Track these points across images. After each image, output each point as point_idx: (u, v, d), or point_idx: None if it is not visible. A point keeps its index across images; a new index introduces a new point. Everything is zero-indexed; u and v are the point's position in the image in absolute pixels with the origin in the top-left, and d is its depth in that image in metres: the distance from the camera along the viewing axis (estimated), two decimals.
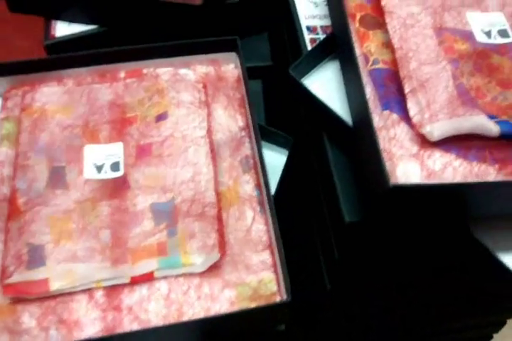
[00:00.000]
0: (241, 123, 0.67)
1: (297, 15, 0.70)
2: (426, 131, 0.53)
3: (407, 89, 0.55)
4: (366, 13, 0.61)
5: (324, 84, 0.63)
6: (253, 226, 0.61)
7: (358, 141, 0.57)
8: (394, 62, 0.57)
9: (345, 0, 0.62)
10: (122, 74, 0.70)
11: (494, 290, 0.73)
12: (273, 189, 0.66)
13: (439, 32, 0.59)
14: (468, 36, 0.59)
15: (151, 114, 0.67)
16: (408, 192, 0.50)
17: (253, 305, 0.55)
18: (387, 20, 0.59)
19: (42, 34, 0.77)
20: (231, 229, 0.60)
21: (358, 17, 0.61)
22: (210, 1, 0.71)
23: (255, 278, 0.57)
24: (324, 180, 0.64)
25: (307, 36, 0.69)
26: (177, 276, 0.57)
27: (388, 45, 0.58)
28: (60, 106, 0.67)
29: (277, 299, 0.55)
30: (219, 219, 0.59)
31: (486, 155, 0.54)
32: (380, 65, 0.58)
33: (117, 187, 0.62)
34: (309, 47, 0.68)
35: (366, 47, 0.59)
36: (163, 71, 0.70)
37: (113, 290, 0.56)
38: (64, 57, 0.69)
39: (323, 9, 0.71)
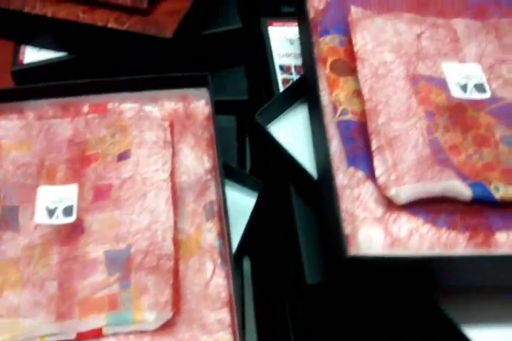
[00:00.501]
0: (208, 165, 0.62)
1: (271, 53, 0.64)
2: (391, 194, 0.47)
3: (373, 146, 0.49)
4: (338, 58, 0.55)
5: (292, 131, 0.57)
6: (212, 281, 0.55)
7: (321, 198, 0.52)
8: (364, 113, 0.51)
9: (316, 42, 0.57)
10: (86, 109, 0.65)
11: None
12: (239, 236, 0.61)
13: (414, 81, 0.53)
14: (444, 87, 0.53)
15: (113, 152, 0.62)
16: (366, 263, 0.45)
17: None
18: (359, 67, 0.53)
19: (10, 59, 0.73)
20: (188, 282, 0.54)
21: (329, 62, 0.55)
22: (181, 35, 0.66)
23: (210, 338, 0.51)
24: (289, 235, 0.59)
25: (280, 76, 0.63)
26: (127, 333, 0.51)
27: (359, 94, 0.53)
28: (16, 141, 0.61)
29: None
30: (175, 272, 0.54)
31: (457, 220, 0.48)
32: (349, 116, 0.52)
33: (69, 234, 0.56)
34: (281, 88, 0.62)
35: (335, 96, 0.53)
36: (127, 107, 0.64)
37: None
38: (25, 88, 0.64)
39: (298, 47, 0.65)
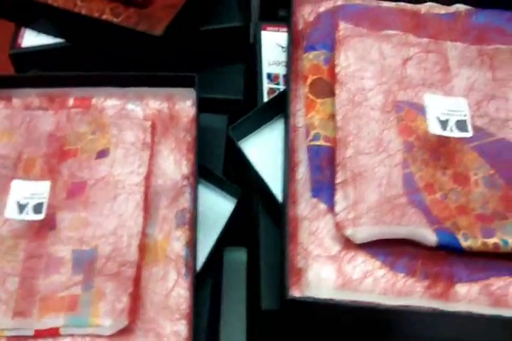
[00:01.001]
0: (185, 170, 0.59)
1: (260, 60, 0.59)
2: (347, 234, 0.44)
3: (338, 179, 0.45)
4: (319, 77, 0.51)
5: (266, 149, 0.53)
6: (173, 292, 0.52)
7: (281, 224, 0.49)
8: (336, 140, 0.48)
9: (300, 58, 0.52)
10: (71, 102, 0.62)
11: None
12: (211, 244, 0.59)
13: (398, 107, 0.48)
14: (426, 118, 0.48)
15: (92, 149, 0.59)
16: (307, 306, 0.42)
17: None
18: (337, 91, 0.49)
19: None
20: (149, 291, 0.52)
21: (309, 81, 0.50)
22: (175, 30, 0.62)
23: None
24: (253, 254, 0.56)
25: (266, 85, 0.58)
26: (83, 335, 0.50)
27: (335, 119, 0.49)
28: None
29: None
30: (136, 280, 0.52)
31: (418, 266, 0.44)
32: (321, 142, 0.48)
33: (38, 230, 0.54)
34: (266, 98, 0.58)
35: (310, 119, 0.49)
36: (110, 104, 0.61)
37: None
38: (13, 76, 0.62)
39: None
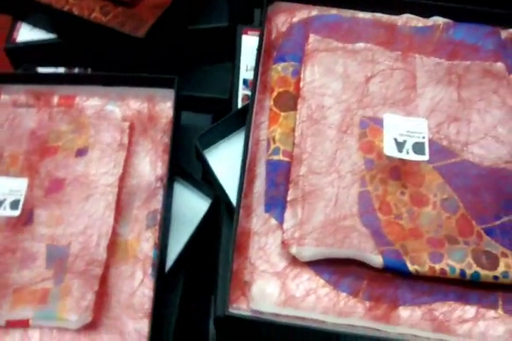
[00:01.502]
0: (160, 172, 0.58)
1: (238, 65, 0.58)
2: (292, 252, 0.43)
3: (289, 197, 0.44)
4: (286, 90, 0.49)
5: (231, 159, 0.51)
6: (138, 291, 0.53)
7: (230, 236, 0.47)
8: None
9: (269, 68, 0.51)
10: (56, 100, 0.62)
11: None
12: (184, 242, 0.59)
13: (363, 123, 0.47)
14: None
15: (72, 147, 0.60)
16: (244, 323, 0.42)
17: None
18: (299, 106, 0.47)
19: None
20: (116, 289, 0.53)
21: (275, 93, 0.49)
22: (159, 30, 0.61)
23: None
24: (215, 259, 0.55)
25: (241, 91, 0.57)
26: (52, 328, 0.52)
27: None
28: None
29: None
30: (102, 278, 0.53)
31: (362, 287, 0.43)
32: (280, 157, 0.47)
33: (16, 224, 0.56)
34: (240, 104, 0.57)
35: (271, 132, 0.47)
36: (91, 104, 0.61)
37: None
38: (3, 73, 0.63)
39: None
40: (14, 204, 0.56)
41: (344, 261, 0.43)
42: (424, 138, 0.45)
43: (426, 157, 0.44)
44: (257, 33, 0.56)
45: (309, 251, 0.42)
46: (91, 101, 0.61)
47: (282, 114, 0.48)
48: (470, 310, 0.43)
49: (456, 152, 0.46)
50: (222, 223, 0.52)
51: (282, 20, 0.53)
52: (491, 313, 0.43)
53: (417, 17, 0.52)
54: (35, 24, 0.68)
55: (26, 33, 0.69)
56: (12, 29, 0.69)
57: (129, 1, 0.62)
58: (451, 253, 0.43)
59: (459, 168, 0.46)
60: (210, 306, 0.62)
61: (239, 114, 0.52)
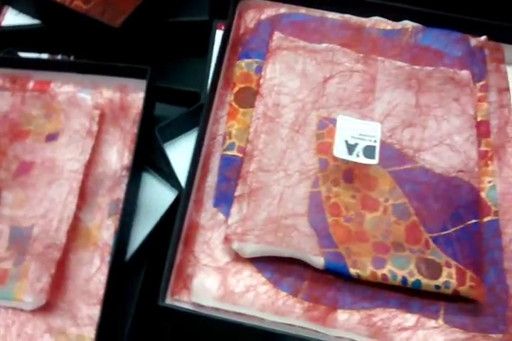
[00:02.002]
0: (126, 161, 0.57)
1: (210, 60, 0.56)
2: (234, 248, 0.42)
3: (237, 192, 0.43)
4: (247, 86, 0.47)
5: (191, 152, 0.51)
6: (95, 277, 0.52)
7: (174, 229, 0.44)
8: None
9: (233, 64, 0.49)
10: (31, 85, 0.61)
11: None
12: (146, 232, 0.58)
13: (322, 123, 0.45)
14: None
15: (43, 131, 0.59)
16: (180, 314, 0.40)
17: None
18: (256, 103, 0.46)
19: None
20: (73, 274, 0.52)
21: (236, 89, 0.47)
22: (135, 22, 0.60)
23: (76, 331, 0.49)
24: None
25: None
26: (7, 308, 0.51)
27: None
28: None
29: None
30: (61, 263, 0.52)
31: (302, 287, 0.41)
32: (234, 153, 0.45)
33: None
34: None
35: (228, 127, 0.46)
36: (64, 90, 0.60)
37: None
38: None
39: None
40: None
41: (287, 260, 0.42)
42: (375, 142, 0.43)
43: (375, 161, 0.43)
44: None
45: (250, 247, 0.41)
46: (65, 87, 0.60)
47: (241, 110, 0.46)
48: (410, 319, 0.41)
49: (410, 158, 0.45)
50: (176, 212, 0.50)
51: (251, 17, 0.51)
52: (432, 323, 0.41)
53: (386, 20, 0.51)
54: (21, 9, 0.67)
55: (12, 18, 0.68)
56: None
57: None
58: (394, 259, 0.41)
59: (413, 174, 0.44)
60: None
61: (199, 108, 0.50)
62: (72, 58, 0.67)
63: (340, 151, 0.42)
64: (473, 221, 0.42)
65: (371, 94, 0.46)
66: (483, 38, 0.50)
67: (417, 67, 0.48)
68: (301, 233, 0.41)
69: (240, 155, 0.45)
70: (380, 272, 0.40)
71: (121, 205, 0.56)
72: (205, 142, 0.46)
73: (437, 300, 0.41)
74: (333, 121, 0.46)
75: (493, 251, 0.42)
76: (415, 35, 0.50)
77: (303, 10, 0.51)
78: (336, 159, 0.44)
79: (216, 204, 0.43)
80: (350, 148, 0.42)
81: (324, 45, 0.48)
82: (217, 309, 0.41)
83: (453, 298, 0.41)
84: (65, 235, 0.52)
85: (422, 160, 0.44)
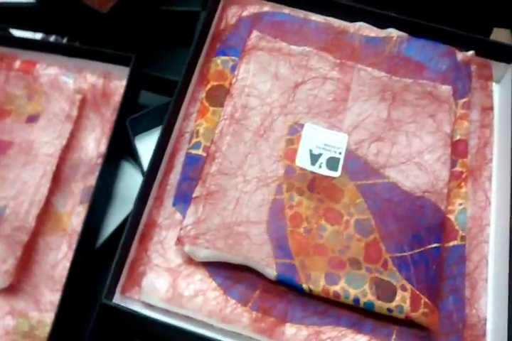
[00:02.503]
0: (103, 149, 0.55)
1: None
2: (185, 250, 0.39)
3: (195, 193, 0.40)
4: (220, 84, 0.44)
5: None
6: (61, 263, 0.50)
7: (128, 227, 0.40)
8: None
9: (209, 60, 0.46)
10: (17, 64, 0.59)
11: None
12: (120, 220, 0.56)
13: (293, 129, 0.42)
14: None
15: (24, 112, 0.57)
16: (119, 314, 0.38)
17: None
18: (225, 103, 0.43)
19: None
20: (40, 258, 0.50)
21: (209, 86, 0.45)
22: (119, 12, 0.56)
23: (38, 316, 0.48)
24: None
25: None
26: None
27: None
28: None
29: None
30: (28, 246, 0.50)
31: (253, 297, 0.38)
32: (199, 152, 0.42)
33: None
34: None
35: (197, 126, 0.43)
36: (48, 73, 0.57)
37: None
38: None
39: None
40: None
41: (242, 267, 0.39)
42: (340, 154, 0.40)
43: (337, 173, 0.40)
44: None
45: (202, 252, 0.39)
46: (50, 69, 0.57)
47: (211, 108, 0.43)
48: (361, 339, 0.38)
49: (376, 173, 0.42)
50: None
51: (233, 12, 0.48)
52: None
53: (370, 26, 0.47)
54: None
55: None
56: None
57: None
58: (349, 277, 0.38)
59: (379, 189, 0.41)
60: None
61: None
62: (65, 40, 0.65)
63: (302, 160, 0.39)
64: (434, 245, 0.39)
65: (342, 103, 0.43)
66: (471, 52, 0.46)
67: (395, 78, 0.44)
68: (253, 241, 0.38)
69: (205, 154, 0.42)
70: (332, 288, 0.37)
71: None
72: (173, 138, 0.43)
73: (391, 323, 0.38)
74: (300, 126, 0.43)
75: (455, 277, 0.39)
76: (399, 44, 0.46)
77: (286, 10, 0.48)
78: (302, 167, 0.41)
79: (175, 204, 0.41)
80: (314, 158, 0.40)
81: (301, 48, 0.44)
82: (166, 311, 0.39)
83: (407, 323, 0.38)
84: (34, 219, 0.51)
85: (386, 177, 0.41)
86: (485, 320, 0.38)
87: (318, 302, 0.38)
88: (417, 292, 0.37)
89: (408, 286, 0.37)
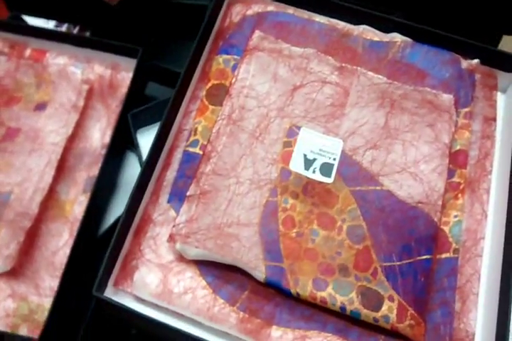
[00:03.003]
0: (107, 139, 0.55)
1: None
2: (177, 248, 0.38)
3: (189, 192, 0.39)
4: (221, 83, 0.43)
5: None
6: (61, 250, 0.50)
7: (122, 222, 0.39)
8: None
9: (212, 58, 0.45)
10: (28, 52, 0.58)
11: None
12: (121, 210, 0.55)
13: (291, 131, 0.41)
14: None
15: (33, 100, 0.56)
16: (111, 307, 0.38)
17: (23, 325, 0.47)
18: (224, 103, 0.41)
19: None
20: (42, 244, 0.50)
21: (209, 85, 0.43)
22: (127, 4, 0.55)
23: (37, 300, 0.47)
24: None
25: None
26: None
27: None
28: None
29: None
30: (31, 233, 0.50)
31: (241, 297, 0.37)
32: (197, 150, 0.41)
33: None
34: None
35: (196, 123, 0.41)
36: (56, 62, 0.56)
37: None
38: None
39: None
40: None
41: (232, 267, 0.38)
42: (335, 159, 0.39)
43: (331, 180, 0.38)
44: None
45: (192, 250, 0.38)
46: (59, 59, 0.56)
47: (211, 107, 0.42)
48: None
49: (372, 179, 0.40)
50: None
51: (237, 11, 0.46)
52: None
53: (374, 30, 0.45)
54: None
55: None
56: None
57: None
58: (337, 284, 0.37)
59: (374, 196, 0.39)
60: None
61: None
62: (76, 30, 0.63)
63: (296, 165, 0.38)
64: (425, 257, 0.37)
65: (340, 108, 0.41)
66: (476, 61, 0.44)
67: (395, 84, 0.42)
68: (242, 243, 0.37)
69: (202, 153, 0.41)
70: (319, 294, 0.36)
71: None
72: (172, 134, 0.42)
73: (377, 332, 0.36)
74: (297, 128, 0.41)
75: (444, 290, 0.37)
76: (403, 49, 0.44)
77: (291, 10, 0.46)
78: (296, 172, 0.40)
79: (170, 200, 0.40)
80: (308, 163, 0.38)
81: (302, 50, 0.42)
82: (157, 305, 0.39)
83: (393, 333, 0.37)
84: (37, 206, 0.50)
85: (379, 185, 0.39)
86: (473, 335, 0.37)
87: (306, 307, 0.37)
88: (404, 303, 0.36)
89: (396, 297, 0.36)
